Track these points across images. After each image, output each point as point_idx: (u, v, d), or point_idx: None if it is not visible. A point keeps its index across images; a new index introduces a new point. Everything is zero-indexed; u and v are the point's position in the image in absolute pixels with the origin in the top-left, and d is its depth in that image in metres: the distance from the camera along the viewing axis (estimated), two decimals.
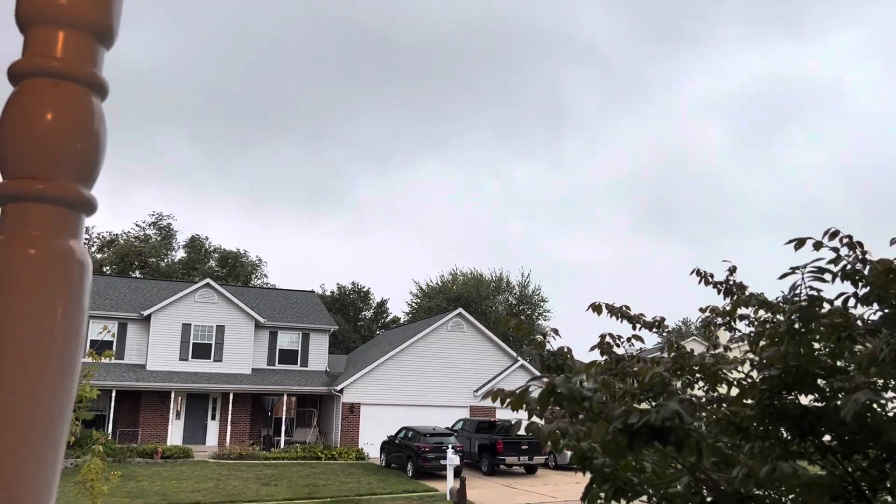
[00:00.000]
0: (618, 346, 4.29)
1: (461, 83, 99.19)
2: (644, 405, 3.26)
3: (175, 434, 34.12)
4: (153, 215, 68.78)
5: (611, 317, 4.36)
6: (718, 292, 4.37)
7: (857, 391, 2.68)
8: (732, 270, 4.39)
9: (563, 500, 22.41)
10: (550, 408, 2.90)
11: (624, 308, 4.41)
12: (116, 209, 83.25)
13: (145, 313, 35.17)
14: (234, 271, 64.92)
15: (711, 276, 4.43)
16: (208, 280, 38.50)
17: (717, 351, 4.34)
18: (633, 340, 4.25)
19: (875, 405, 2.82)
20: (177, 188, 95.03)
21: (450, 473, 22.10)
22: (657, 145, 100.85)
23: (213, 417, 35.77)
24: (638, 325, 4.42)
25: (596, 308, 4.24)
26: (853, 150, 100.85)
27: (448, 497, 20.73)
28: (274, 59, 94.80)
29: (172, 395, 34.08)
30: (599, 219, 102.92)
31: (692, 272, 4.49)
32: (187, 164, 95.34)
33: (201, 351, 35.99)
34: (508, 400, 2.84)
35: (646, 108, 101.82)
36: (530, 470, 30.05)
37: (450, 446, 24.80)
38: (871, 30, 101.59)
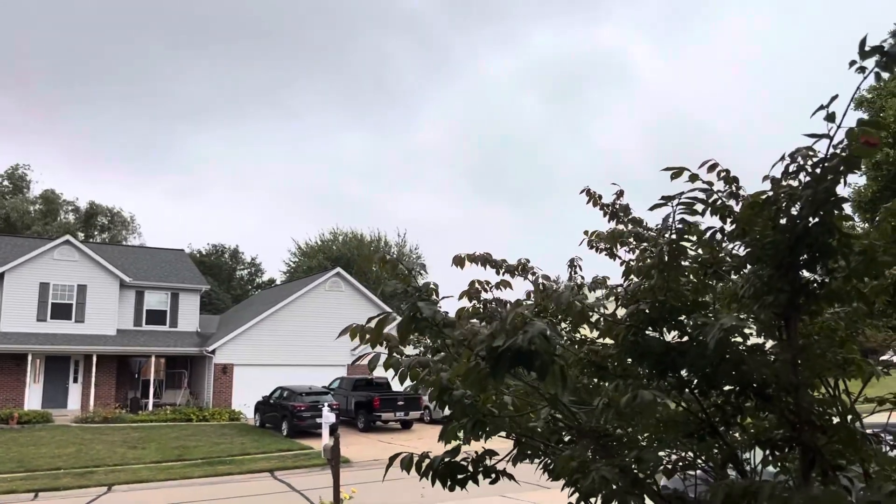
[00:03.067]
0: (486, 291, 4.27)
1: (293, 48, 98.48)
2: None
3: (33, 398, 32.29)
4: (9, 168, 64.63)
5: (478, 265, 4.33)
6: (604, 214, 4.42)
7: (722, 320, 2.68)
8: (620, 194, 4.45)
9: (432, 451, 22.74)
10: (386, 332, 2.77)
11: (486, 255, 4.39)
12: None
13: None
14: (93, 226, 61.91)
15: (600, 196, 4.46)
16: (68, 237, 36.29)
17: (581, 290, 4.37)
18: (502, 286, 4.24)
19: (738, 335, 2.84)
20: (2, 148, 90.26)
21: (325, 431, 21.89)
22: (478, 114, 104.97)
23: (76, 381, 34.01)
24: (501, 271, 4.40)
25: (458, 261, 4.19)
26: (646, 117, 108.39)
27: (322, 454, 20.58)
28: (94, 15, 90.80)
29: (29, 358, 32.13)
30: (436, 182, 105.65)
31: (581, 191, 4.51)
32: (12, 124, 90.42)
33: (61, 311, 34.07)
34: (367, 336, 2.69)
35: (463, 79, 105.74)
36: (406, 425, 30.39)
37: (325, 404, 24.59)
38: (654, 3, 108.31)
